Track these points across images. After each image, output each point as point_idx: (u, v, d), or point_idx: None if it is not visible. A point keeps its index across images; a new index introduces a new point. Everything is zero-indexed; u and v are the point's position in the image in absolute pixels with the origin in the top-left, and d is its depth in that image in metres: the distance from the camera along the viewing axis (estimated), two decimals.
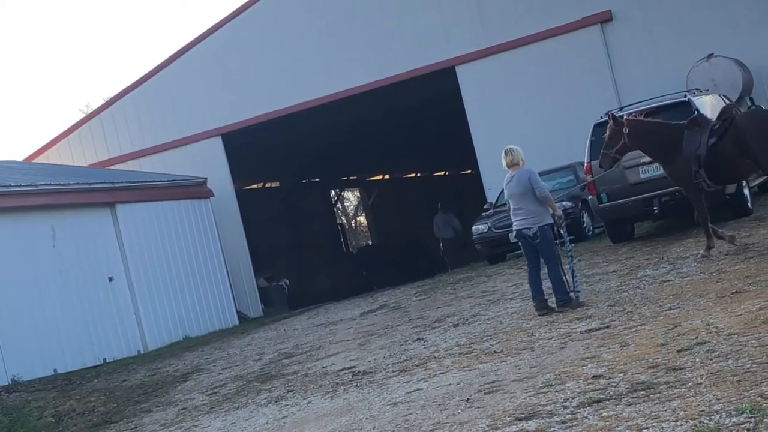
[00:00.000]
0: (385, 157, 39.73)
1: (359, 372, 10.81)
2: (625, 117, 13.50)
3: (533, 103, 23.76)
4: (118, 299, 20.89)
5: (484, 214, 21.44)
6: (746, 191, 15.89)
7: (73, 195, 20.64)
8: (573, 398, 7.01)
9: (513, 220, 11.97)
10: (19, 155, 45.56)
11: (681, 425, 5.75)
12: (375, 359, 11.42)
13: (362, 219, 55.20)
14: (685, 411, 6.01)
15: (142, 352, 20.57)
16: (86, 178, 22.35)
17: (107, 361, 19.42)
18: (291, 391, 10.90)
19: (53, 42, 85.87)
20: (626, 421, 6.09)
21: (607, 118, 16.16)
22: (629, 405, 6.47)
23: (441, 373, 9.38)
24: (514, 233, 11.94)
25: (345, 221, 53.83)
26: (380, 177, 45.64)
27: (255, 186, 37.84)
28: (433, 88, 26.80)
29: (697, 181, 12.99)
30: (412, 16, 25.18)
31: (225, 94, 26.83)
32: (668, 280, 11.65)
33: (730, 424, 5.55)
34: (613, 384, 7.13)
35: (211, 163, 26.58)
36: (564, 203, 18.58)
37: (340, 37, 25.81)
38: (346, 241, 45.31)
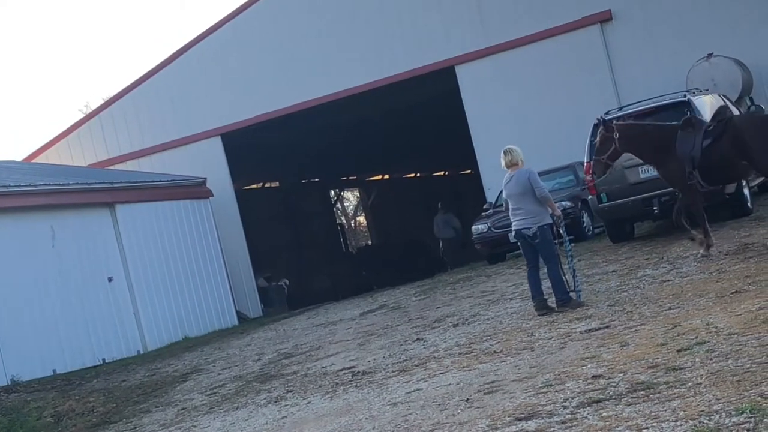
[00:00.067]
0: (385, 157, 39.73)
1: (359, 372, 10.81)
2: (614, 122, 13.46)
3: (533, 102, 23.76)
4: (117, 299, 20.88)
5: (483, 214, 21.45)
6: (746, 191, 15.88)
7: (73, 195, 20.64)
8: (573, 398, 7.01)
9: (512, 220, 11.96)
10: (19, 155, 45.60)
11: (681, 425, 5.74)
12: (374, 359, 11.41)
13: (362, 219, 55.21)
14: (684, 411, 6.00)
15: (141, 352, 20.56)
16: (86, 178, 22.34)
17: (106, 361, 19.41)
18: (290, 391, 10.89)
19: (53, 42, 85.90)
20: (626, 421, 6.08)
21: (606, 117, 16.20)
22: (629, 405, 6.46)
23: (441, 373, 9.37)
24: (514, 233, 11.93)
25: (344, 221, 53.83)
26: (380, 177, 45.63)
27: (254, 186, 37.84)
28: (432, 88, 26.80)
29: (691, 183, 13.00)
30: (412, 16, 25.18)
31: (224, 94, 26.82)
32: (668, 280, 11.65)
33: (729, 424, 5.54)
34: (613, 384, 7.12)
35: (210, 163, 26.58)
36: (563, 203, 18.59)
37: (339, 36, 25.81)
38: (346, 241, 45.29)
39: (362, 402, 9.07)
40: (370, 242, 45.90)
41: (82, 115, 36.26)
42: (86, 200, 20.95)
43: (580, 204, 19.63)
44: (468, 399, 7.86)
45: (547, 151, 21.52)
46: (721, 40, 21.69)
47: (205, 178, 25.24)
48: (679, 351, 7.63)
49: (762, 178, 16.07)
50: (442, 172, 48.10)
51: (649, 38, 22.91)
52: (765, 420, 5.46)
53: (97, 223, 21.11)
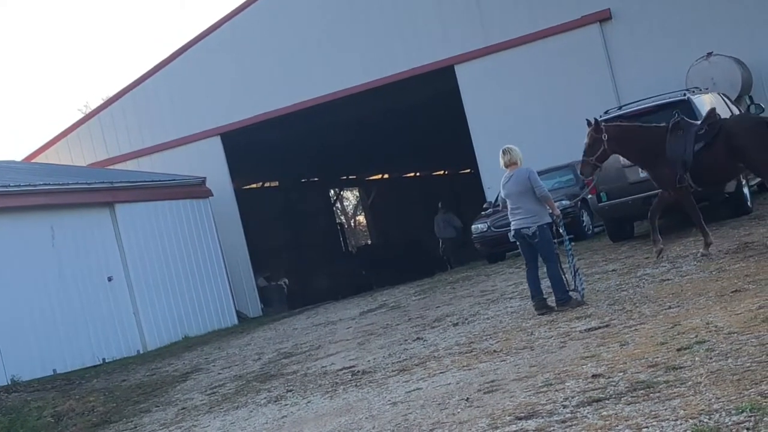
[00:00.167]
0: (385, 156, 39.73)
1: (359, 371, 10.80)
2: (603, 123, 13.46)
3: (532, 102, 23.76)
4: (117, 299, 20.89)
5: (483, 213, 21.46)
6: (746, 190, 15.89)
7: (73, 195, 20.64)
8: (573, 397, 7.01)
9: (511, 219, 11.95)
10: (19, 155, 45.59)
11: (681, 424, 5.74)
12: (374, 359, 11.41)
13: (361, 218, 55.24)
14: (684, 410, 6.00)
15: (141, 351, 20.57)
16: (85, 177, 22.34)
17: (106, 361, 19.41)
18: (290, 390, 10.89)
19: (53, 42, 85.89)
20: (626, 421, 6.08)
21: (602, 117, 16.21)
22: (629, 404, 6.46)
23: (440, 373, 9.37)
24: (513, 233, 11.92)
25: (344, 221, 53.83)
26: (379, 176, 45.65)
27: (254, 185, 37.85)
28: (432, 88, 26.80)
29: (681, 185, 13.03)
30: (411, 15, 25.18)
31: (224, 93, 26.83)
32: (668, 279, 11.64)
33: (729, 423, 5.54)
34: (613, 383, 7.12)
35: (210, 163, 26.59)
36: (563, 202, 18.60)
37: (339, 36, 25.81)
38: (346, 240, 45.33)
39: (362, 401, 9.07)
40: (369, 242, 45.93)
41: (82, 115, 36.29)
42: (86, 200, 20.95)
43: (579, 203, 19.63)
44: (468, 398, 7.86)
45: (547, 150, 21.53)
46: (720, 39, 21.70)
47: (205, 178, 25.25)
48: (679, 350, 7.63)
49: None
50: (441, 172, 48.12)
51: (648, 37, 22.91)
52: (765, 419, 5.46)
53: (96, 223, 21.11)
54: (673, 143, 13.09)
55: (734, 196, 15.52)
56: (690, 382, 6.61)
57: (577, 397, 6.98)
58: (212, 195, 25.15)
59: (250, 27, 26.76)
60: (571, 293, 11.50)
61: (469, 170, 37.68)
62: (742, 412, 5.66)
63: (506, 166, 11.85)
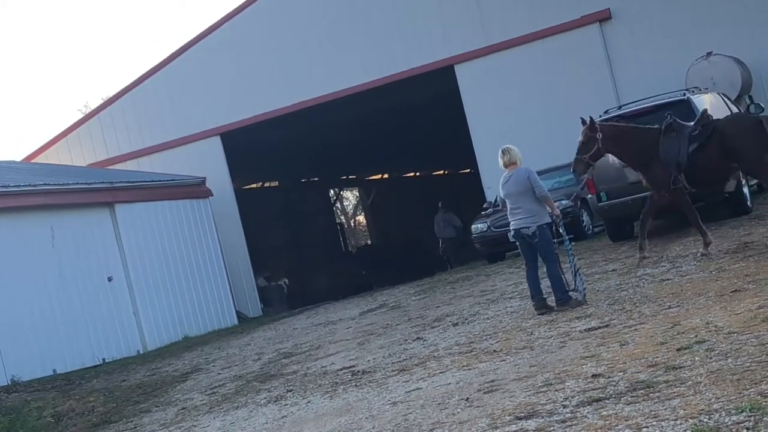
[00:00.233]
0: (385, 156, 39.74)
1: (359, 371, 10.81)
2: (598, 122, 13.48)
3: (532, 101, 23.76)
4: (117, 299, 20.89)
5: (483, 213, 21.47)
6: (746, 189, 15.89)
7: (72, 195, 20.64)
8: (573, 397, 7.01)
9: (510, 219, 11.95)
10: (19, 155, 45.58)
11: (681, 424, 5.74)
12: (374, 359, 11.41)
13: (361, 218, 55.23)
14: (684, 410, 6.00)
15: (141, 352, 20.56)
16: (85, 178, 22.34)
17: (106, 361, 19.41)
18: (290, 390, 10.89)
19: (52, 42, 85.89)
20: (626, 420, 6.08)
21: (604, 116, 16.23)
22: (629, 404, 6.46)
23: (440, 373, 9.37)
24: (512, 233, 11.92)
25: (344, 221, 53.83)
26: (379, 176, 45.65)
27: (254, 185, 37.86)
28: (432, 87, 26.79)
29: (676, 187, 13.05)
30: (411, 15, 25.17)
31: (224, 93, 26.83)
32: (668, 279, 11.65)
33: (729, 423, 5.54)
34: (613, 383, 7.12)
35: (210, 163, 26.58)
36: (563, 202, 18.61)
37: (338, 36, 25.81)
38: (345, 240, 45.34)
39: (362, 401, 9.07)
40: (369, 242, 45.93)
41: (82, 115, 36.28)
42: (86, 200, 20.95)
43: (579, 203, 19.65)
44: (468, 398, 7.86)
45: (547, 150, 21.52)
46: (720, 39, 21.70)
47: (205, 178, 25.24)
48: (678, 350, 7.63)
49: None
50: (441, 172, 48.12)
51: (648, 37, 22.91)
52: (765, 419, 5.46)
53: (96, 223, 21.11)
54: (667, 144, 13.12)
55: (734, 196, 15.52)
56: (690, 382, 6.61)
57: (577, 397, 6.98)
58: (212, 195, 25.15)
59: (250, 27, 26.76)
60: (571, 293, 11.49)
61: (469, 170, 37.68)
62: (742, 411, 5.66)
63: (505, 166, 11.86)
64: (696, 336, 7.97)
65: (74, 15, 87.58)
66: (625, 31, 23.16)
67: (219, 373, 14.01)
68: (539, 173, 12.71)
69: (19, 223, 19.05)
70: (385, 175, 45.97)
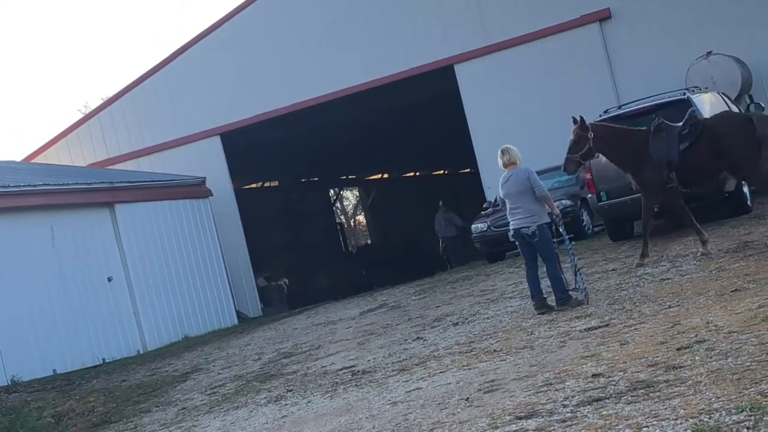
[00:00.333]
0: (384, 156, 39.75)
1: (359, 371, 10.80)
2: (589, 122, 13.49)
3: (532, 101, 23.76)
4: (117, 299, 20.89)
5: (483, 213, 21.46)
6: (746, 189, 15.89)
7: (72, 195, 20.64)
8: (573, 397, 7.00)
9: (510, 219, 11.96)
10: (19, 155, 45.60)
11: (681, 423, 5.74)
12: (374, 358, 11.41)
13: (361, 218, 55.24)
14: (684, 409, 6.00)
15: (141, 352, 20.57)
16: (85, 178, 22.34)
17: (106, 361, 19.41)
18: (290, 390, 10.88)
19: (53, 42, 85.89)
20: (626, 420, 6.08)
21: (604, 116, 16.24)
22: (629, 403, 6.46)
23: (440, 372, 9.37)
24: (512, 232, 11.93)
25: (344, 220, 53.84)
26: (379, 176, 45.66)
27: (254, 185, 37.87)
28: (431, 87, 26.80)
29: (670, 186, 13.07)
30: (411, 15, 25.18)
31: (224, 93, 26.83)
32: (668, 279, 11.65)
33: (730, 423, 5.54)
34: (613, 382, 7.12)
35: (210, 163, 26.59)
36: (563, 201, 18.62)
37: (338, 36, 25.81)
38: (345, 240, 45.34)
39: (362, 401, 9.06)
40: (369, 241, 45.93)
41: (82, 115, 36.29)
42: (86, 200, 20.95)
43: (579, 202, 19.66)
44: (468, 398, 7.86)
45: (547, 149, 21.48)
46: (720, 38, 21.70)
47: (205, 178, 25.25)
48: (678, 349, 7.62)
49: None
50: (441, 171, 48.13)
51: (647, 36, 22.91)
52: (765, 418, 5.45)
53: (96, 223, 21.11)
54: (657, 144, 13.16)
55: (734, 195, 15.52)
56: (690, 382, 6.61)
57: (577, 397, 6.98)
58: (212, 195, 25.15)
59: (250, 27, 26.76)
60: (571, 293, 11.49)
61: (468, 170, 37.70)
62: (742, 411, 5.66)
63: (505, 166, 11.87)
64: (696, 335, 7.97)
65: (74, 15, 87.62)
66: (624, 30, 23.16)
67: (219, 373, 14.01)
68: (539, 173, 12.72)
69: (19, 223, 19.05)
70: (385, 175, 45.98)
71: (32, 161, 28.41)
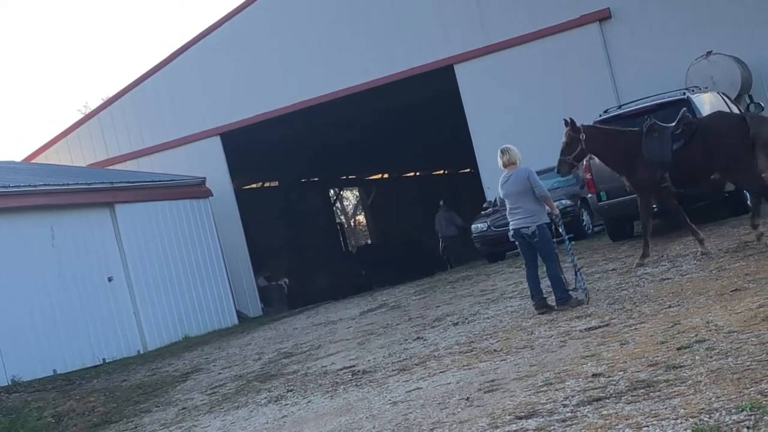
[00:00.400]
0: (384, 156, 39.74)
1: (359, 371, 10.81)
2: (581, 124, 13.51)
3: (532, 101, 23.75)
4: (117, 299, 20.89)
5: (483, 213, 21.47)
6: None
7: (72, 195, 20.64)
8: (573, 396, 7.01)
9: (510, 219, 11.97)
10: (19, 155, 45.62)
11: (681, 423, 5.74)
12: (375, 358, 11.41)
13: (361, 218, 55.24)
14: (685, 409, 6.00)
15: (141, 352, 20.57)
16: (85, 178, 22.34)
17: (107, 361, 19.42)
18: (291, 390, 10.89)
19: (53, 42, 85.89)
20: (626, 420, 6.08)
21: (604, 116, 16.24)
22: (629, 403, 6.46)
23: (441, 372, 9.37)
24: (512, 232, 11.93)
25: (344, 220, 53.84)
26: (379, 176, 45.65)
27: (254, 185, 37.86)
28: (431, 87, 26.80)
29: (664, 185, 13.08)
30: (411, 15, 25.18)
31: (224, 93, 26.83)
32: (668, 278, 11.65)
33: (730, 422, 5.54)
34: (613, 382, 7.12)
35: (210, 163, 26.59)
36: (563, 201, 18.63)
37: (338, 36, 25.81)
38: (346, 240, 45.35)
39: (362, 401, 9.07)
40: (369, 241, 45.93)
41: (82, 116, 36.29)
42: (86, 200, 20.95)
43: (579, 202, 19.66)
44: (468, 398, 7.86)
45: (547, 149, 21.44)
46: (720, 38, 21.70)
47: (205, 178, 25.25)
48: (679, 349, 7.63)
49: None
50: (441, 171, 48.13)
51: (647, 36, 22.91)
52: (765, 418, 5.46)
53: (96, 223, 21.11)
54: (650, 145, 13.17)
55: (734, 195, 15.52)
56: (690, 381, 6.61)
57: (577, 396, 6.98)
58: (212, 195, 25.15)
59: (250, 27, 26.76)
60: (571, 292, 11.50)
61: (468, 170, 37.70)
62: (743, 410, 5.66)
63: (505, 166, 11.88)
64: (696, 335, 7.97)
65: (74, 15, 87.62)
66: (624, 30, 23.16)
67: (219, 373, 14.01)
68: (539, 173, 12.72)
69: (19, 223, 19.05)
70: (385, 175, 45.97)
71: (32, 161, 28.41)
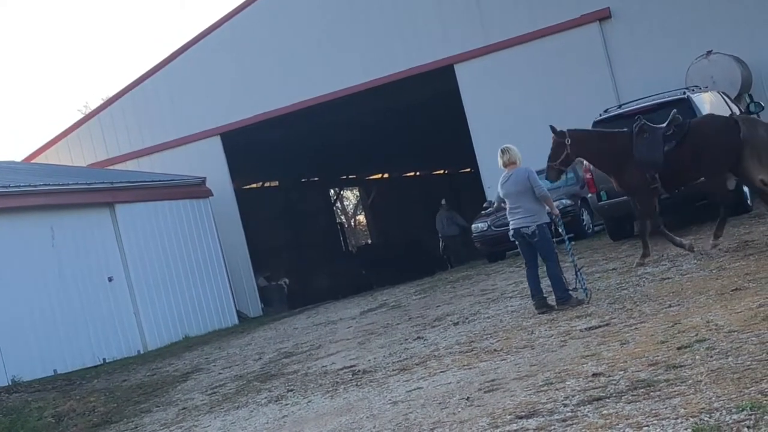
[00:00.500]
0: (385, 156, 39.74)
1: (359, 371, 10.81)
2: (567, 128, 13.52)
3: (532, 101, 23.74)
4: (117, 299, 20.89)
5: (483, 212, 21.45)
6: (746, 188, 15.88)
7: (73, 195, 20.64)
8: (573, 396, 7.01)
9: (510, 219, 11.98)
10: (19, 155, 45.62)
11: (681, 423, 5.74)
12: (375, 358, 11.41)
13: (361, 218, 55.24)
14: (685, 408, 6.00)
15: (141, 352, 20.57)
16: (85, 178, 22.34)
17: (107, 361, 19.42)
18: (291, 390, 10.89)
19: (53, 42, 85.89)
20: (626, 419, 6.08)
21: (604, 115, 16.25)
22: (629, 403, 6.46)
23: (441, 372, 9.38)
24: (512, 232, 11.94)
25: (344, 220, 53.84)
26: (379, 176, 45.65)
27: (254, 185, 37.85)
28: (432, 87, 26.80)
29: (654, 187, 13.09)
30: (411, 15, 25.17)
31: (224, 93, 26.83)
32: (668, 278, 11.65)
33: (730, 422, 5.54)
34: (614, 382, 7.12)
35: (210, 163, 26.58)
36: (563, 201, 18.63)
37: (338, 35, 25.81)
38: (346, 240, 45.33)
39: (363, 401, 9.07)
40: (369, 241, 45.94)
41: (82, 115, 36.30)
42: (86, 200, 20.95)
43: (579, 202, 19.66)
44: (468, 397, 7.86)
45: (547, 149, 21.44)
46: (720, 37, 21.69)
47: (205, 178, 25.25)
48: (679, 348, 7.63)
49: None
50: (441, 171, 48.12)
51: (647, 36, 22.91)
52: (765, 417, 5.46)
53: (96, 223, 21.11)
54: (641, 145, 13.17)
55: (734, 194, 15.50)
56: (690, 381, 6.61)
57: (577, 396, 6.98)
58: (212, 195, 25.15)
59: (250, 27, 26.76)
60: (572, 292, 11.50)
61: (469, 169, 37.69)
62: (743, 410, 5.66)
63: (505, 165, 11.89)
64: (696, 335, 7.97)
65: (74, 15, 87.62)
66: (624, 30, 23.16)
67: (220, 373, 14.01)
68: (539, 173, 12.73)
69: (19, 223, 19.05)
70: (386, 175, 45.97)
71: (32, 161, 28.41)
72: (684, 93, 16.40)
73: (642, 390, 6.68)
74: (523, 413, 6.89)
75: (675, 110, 13.88)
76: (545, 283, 11.79)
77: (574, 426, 6.27)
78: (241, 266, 26.67)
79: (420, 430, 7.28)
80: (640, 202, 13.43)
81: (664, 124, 13.37)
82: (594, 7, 23.26)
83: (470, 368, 9.18)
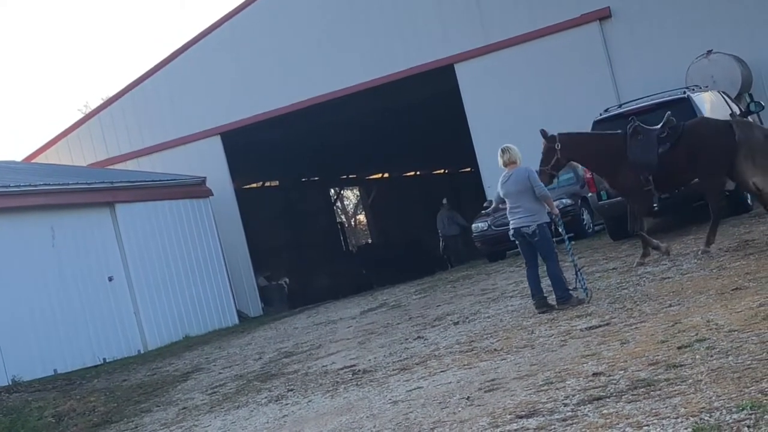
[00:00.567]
0: (385, 155, 39.73)
1: (359, 371, 10.81)
2: (557, 133, 13.53)
3: (532, 100, 23.74)
4: (117, 299, 20.89)
5: (483, 212, 21.45)
6: None
7: (73, 195, 20.64)
8: (573, 396, 7.01)
9: (510, 218, 11.99)
10: (19, 155, 45.60)
11: (681, 422, 5.74)
12: (375, 358, 11.41)
13: (362, 218, 55.24)
14: (685, 408, 6.00)
15: (142, 351, 20.57)
16: (85, 177, 22.34)
17: (107, 360, 19.42)
18: (291, 390, 10.89)
19: (53, 42, 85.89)
20: (627, 419, 6.08)
21: (605, 115, 16.26)
22: (630, 402, 6.46)
23: (441, 372, 9.38)
24: (512, 231, 11.95)
25: (344, 220, 53.84)
26: (380, 175, 45.65)
27: (254, 185, 37.85)
28: (432, 86, 26.80)
29: (648, 188, 13.09)
30: (411, 15, 25.17)
31: (224, 93, 26.82)
32: (668, 277, 11.65)
33: (730, 421, 5.54)
34: (614, 381, 7.13)
35: (210, 163, 26.58)
36: (563, 201, 18.64)
37: (338, 35, 25.81)
38: (346, 239, 45.33)
39: (363, 400, 9.07)
40: (370, 241, 45.94)
41: (82, 115, 36.28)
42: (86, 200, 20.95)
43: (579, 201, 19.67)
44: (469, 397, 7.87)
45: None
46: (720, 37, 21.69)
47: (205, 178, 25.25)
48: (679, 348, 7.63)
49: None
50: (441, 171, 48.12)
51: (648, 35, 22.91)
52: (766, 417, 5.46)
53: (97, 223, 21.11)
54: (635, 147, 13.18)
55: (734, 194, 15.51)
56: (691, 380, 6.61)
57: (577, 396, 6.98)
58: (212, 195, 25.15)
59: (250, 27, 26.75)
60: (572, 292, 11.50)
61: (469, 169, 37.68)
62: (743, 409, 5.66)
63: (505, 165, 11.89)
64: (697, 334, 7.98)
65: (74, 15, 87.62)
66: (625, 29, 23.15)
67: (220, 373, 14.01)
68: (539, 173, 12.73)
69: (19, 223, 19.05)
70: (386, 175, 45.97)
71: (32, 161, 28.41)
72: (684, 93, 16.41)
73: (642, 389, 6.69)
74: (523, 413, 6.89)
75: (669, 112, 13.88)
76: (545, 283, 11.80)
77: (575, 425, 6.27)
78: (241, 266, 26.68)
79: (420, 429, 7.28)
80: (634, 203, 13.43)
81: (658, 126, 13.37)
82: (594, 7, 23.26)
83: (470, 368, 9.19)
